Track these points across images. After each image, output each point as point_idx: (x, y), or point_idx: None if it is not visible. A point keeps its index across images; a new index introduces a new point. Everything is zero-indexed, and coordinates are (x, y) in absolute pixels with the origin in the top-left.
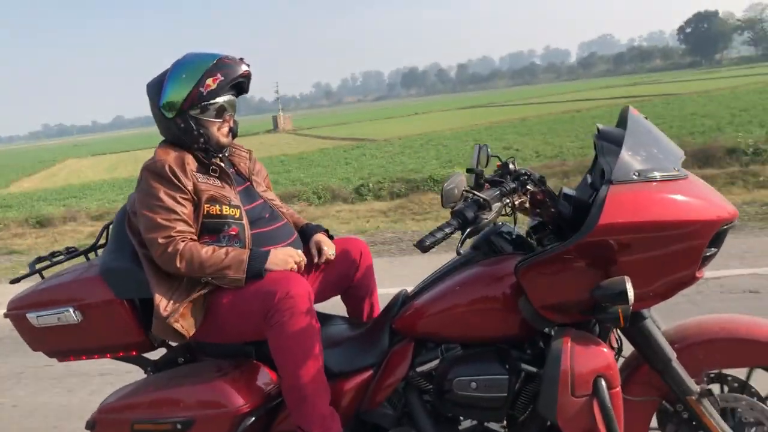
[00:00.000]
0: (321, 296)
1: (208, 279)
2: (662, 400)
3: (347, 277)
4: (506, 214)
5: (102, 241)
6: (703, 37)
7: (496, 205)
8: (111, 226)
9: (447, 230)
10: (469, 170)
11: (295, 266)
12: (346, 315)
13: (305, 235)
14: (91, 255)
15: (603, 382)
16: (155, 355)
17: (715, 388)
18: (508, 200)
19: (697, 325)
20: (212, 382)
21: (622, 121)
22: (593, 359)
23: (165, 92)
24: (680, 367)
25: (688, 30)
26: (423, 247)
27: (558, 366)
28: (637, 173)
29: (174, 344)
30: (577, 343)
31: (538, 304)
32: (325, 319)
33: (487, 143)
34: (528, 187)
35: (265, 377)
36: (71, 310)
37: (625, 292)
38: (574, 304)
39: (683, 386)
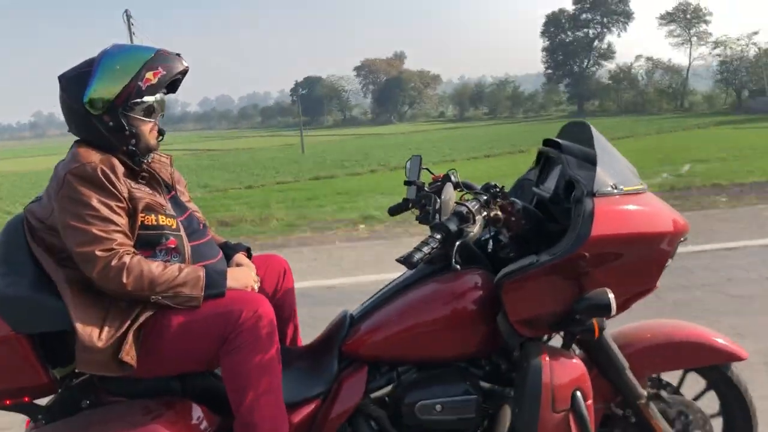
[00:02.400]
0: None
1: (158, 298)
2: (609, 405)
3: (268, 296)
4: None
5: None
6: (310, 99)
7: (478, 218)
8: None
9: (432, 244)
10: (407, 182)
11: (256, 287)
12: None
13: (225, 255)
14: None
15: (580, 395)
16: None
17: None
18: (485, 212)
19: (638, 331)
20: (147, 427)
21: (570, 135)
22: (570, 372)
23: (91, 85)
24: (631, 374)
25: (303, 91)
26: (410, 263)
27: (539, 382)
28: (613, 186)
29: (71, 386)
30: (552, 358)
31: (514, 318)
32: None
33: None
34: (498, 199)
35: (201, 417)
36: None
37: (609, 304)
38: (548, 318)
39: (634, 392)
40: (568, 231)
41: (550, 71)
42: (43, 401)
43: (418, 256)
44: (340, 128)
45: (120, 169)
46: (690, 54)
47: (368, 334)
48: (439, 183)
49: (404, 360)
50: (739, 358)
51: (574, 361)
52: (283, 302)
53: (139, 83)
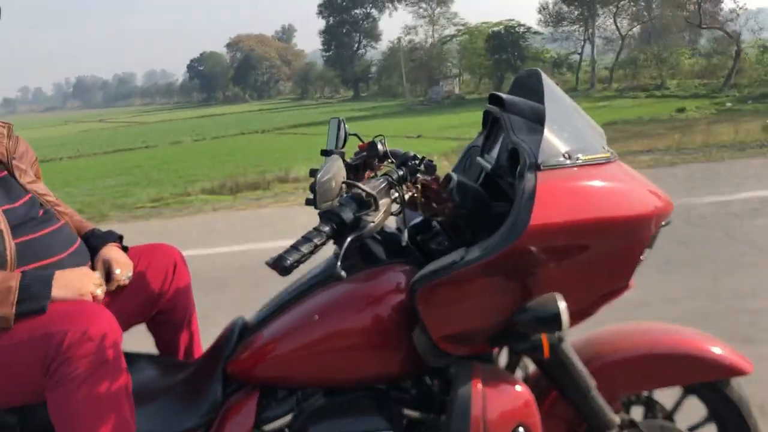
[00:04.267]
0: (122, 326)
1: None
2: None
3: (154, 297)
4: (393, 213)
5: None
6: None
7: (383, 201)
8: None
9: (316, 240)
10: (324, 152)
11: (96, 293)
12: (156, 350)
13: (90, 245)
14: None
15: None
16: None
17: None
18: (396, 194)
19: (611, 339)
20: None
21: (525, 88)
22: (510, 404)
23: None
24: (600, 396)
25: (200, 68)
26: (283, 268)
27: (467, 419)
28: (567, 155)
29: None
30: (488, 385)
31: (437, 334)
32: (128, 361)
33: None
34: (419, 175)
35: None
36: None
37: (558, 315)
38: (483, 332)
39: (602, 419)
40: (508, 217)
41: (327, 54)
42: None
43: (292, 258)
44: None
45: None
46: (433, 35)
47: (256, 352)
48: (363, 153)
49: (305, 383)
50: (740, 373)
51: (517, 388)
52: (174, 303)
53: None
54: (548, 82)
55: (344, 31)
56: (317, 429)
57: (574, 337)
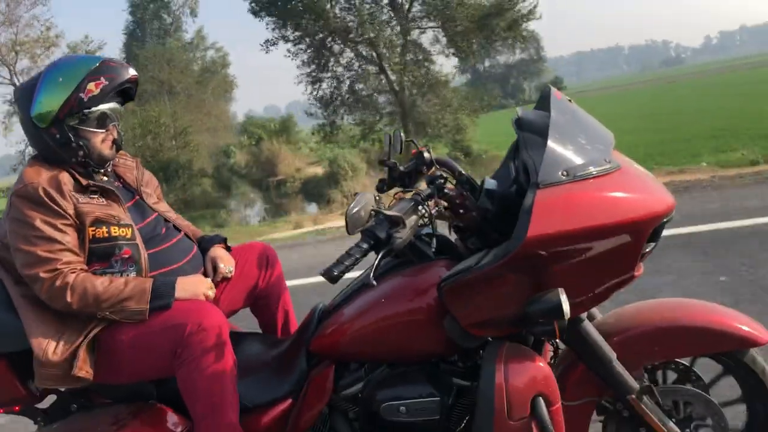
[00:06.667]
0: (229, 311)
1: (105, 314)
2: (600, 398)
3: (254, 287)
4: (423, 225)
5: None
6: None
7: (411, 219)
8: None
9: (357, 255)
10: (381, 162)
11: (209, 294)
12: (259, 329)
13: (201, 248)
14: None
15: (542, 402)
16: (47, 400)
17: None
18: (424, 210)
19: (635, 314)
20: None
21: (543, 104)
22: (530, 377)
23: (37, 98)
24: (619, 365)
25: None
26: (331, 277)
27: (492, 388)
28: (565, 172)
29: (63, 390)
30: (511, 360)
31: (465, 322)
32: (240, 340)
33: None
34: (445, 190)
35: (170, 422)
36: None
37: (560, 307)
38: (505, 319)
39: (623, 386)
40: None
41: None
42: (46, 404)
43: (338, 269)
44: None
45: (68, 185)
46: None
47: (331, 332)
48: (414, 161)
49: (370, 357)
50: (755, 344)
51: (537, 363)
52: (270, 290)
53: (81, 95)
54: (556, 98)
55: None
56: (379, 396)
57: (605, 314)
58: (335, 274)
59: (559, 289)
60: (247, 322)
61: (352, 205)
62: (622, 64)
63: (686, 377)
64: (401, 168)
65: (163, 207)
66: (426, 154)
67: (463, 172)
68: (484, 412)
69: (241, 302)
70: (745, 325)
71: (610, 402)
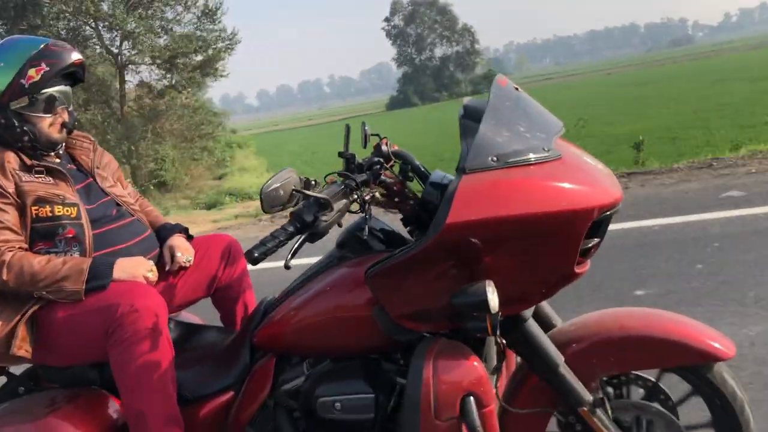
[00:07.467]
0: (185, 301)
1: (42, 293)
2: (554, 410)
3: (213, 277)
4: (355, 212)
5: None
6: None
7: (340, 203)
8: None
9: (281, 237)
10: (340, 154)
11: (149, 276)
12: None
13: (161, 237)
14: None
15: (472, 402)
16: None
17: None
18: (356, 195)
19: (595, 322)
20: (40, 421)
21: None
22: (460, 375)
23: None
24: (569, 373)
25: None
26: (252, 258)
27: (419, 384)
28: (495, 158)
29: (12, 372)
30: (441, 356)
31: (394, 313)
32: (190, 330)
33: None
34: (382, 177)
35: (109, 407)
36: None
37: (485, 300)
38: (435, 312)
39: (574, 396)
40: None
41: None
42: None
43: (259, 251)
44: None
45: (12, 163)
46: None
47: (273, 325)
48: (373, 154)
49: (311, 352)
50: (716, 358)
51: (471, 361)
52: (231, 284)
53: (22, 81)
54: (499, 85)
55: None
56: (319, 390)
57: (566, 323)
58: (256, 255)
59: (486, 281)
60: (211, 315)
61: (268, 182)
62: (638, 42)
63: (653, 394)
64: (359, 160)
65: (119, 191)
66: (383, 147)
67: (419, 164)
68: (410, 410)
69: (199, 292)
70: (708, 338)
71: (563, 414)
